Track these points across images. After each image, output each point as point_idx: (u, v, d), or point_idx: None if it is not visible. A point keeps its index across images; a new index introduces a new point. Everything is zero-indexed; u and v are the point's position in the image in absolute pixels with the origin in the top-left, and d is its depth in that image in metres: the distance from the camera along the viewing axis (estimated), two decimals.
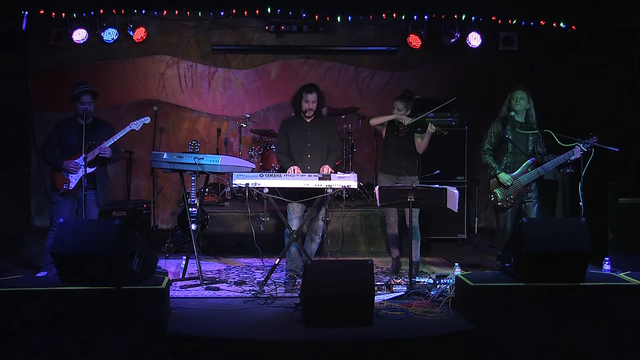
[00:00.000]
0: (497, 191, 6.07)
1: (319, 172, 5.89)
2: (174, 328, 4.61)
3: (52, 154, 6.07)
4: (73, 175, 5.97)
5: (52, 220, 6.03)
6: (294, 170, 5.97)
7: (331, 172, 5.89)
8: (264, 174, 5.81)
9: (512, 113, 6.05)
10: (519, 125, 6.08)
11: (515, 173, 6.02)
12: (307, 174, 5.83)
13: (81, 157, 5.87)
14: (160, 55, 9.05)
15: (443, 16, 8.58)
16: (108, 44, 8.61)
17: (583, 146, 5.76)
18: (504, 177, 6.02)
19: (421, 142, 6.30)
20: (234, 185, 5.93)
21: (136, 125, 6.06)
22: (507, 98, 6.14)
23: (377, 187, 5.85)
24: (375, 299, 4.90)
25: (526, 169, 6.00)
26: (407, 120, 6.24)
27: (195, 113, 9.17)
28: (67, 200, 6.02)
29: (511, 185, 6.00)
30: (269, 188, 5.74)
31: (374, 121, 6.47)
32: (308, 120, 6.16)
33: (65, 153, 6.05)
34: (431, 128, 6.12)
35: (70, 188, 5.96)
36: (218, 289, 5.71)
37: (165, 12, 8.61)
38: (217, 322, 4.81)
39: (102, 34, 8.48)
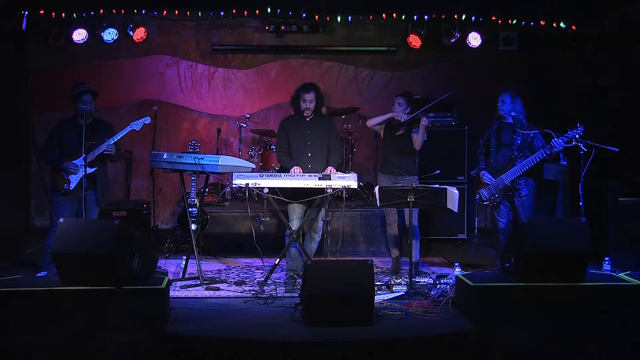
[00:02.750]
0: (483, 190, 6.09)
1: (320, 171, 5.90)
2: (174, 328, 4.61)
3: (52, 154, 6.07)
4: (73, 176, 5.97)
5: (52, 220, 6.03)
6: (295, 170, 5.97)
7: (337, 173, 5.90)
8: (264, 174, 5.81)
9: (513, 113, 6.07)
10: (510, 125, 6.08)
11: (499, 171, 6.04)
12: (307, 174, 5.84)
13: (81, 158, 5.87)
14: (160, 55, 9.05)
15: (443, 16, 8.59)
16: (108, 44, 8.60)
17: (583, 146, 5.72)
18: (481, 174, 6.07)
19: (416, 138, 6.31)
20: (234, 185, 5.93)
21: (136, 125, 6.06)
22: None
23: (377, 187, 5.86)
24: (375, 299, 4.89)
25: (509, 167, 6.00)
26: (403, 117, 6.25)
27: (195, 113, 9.17)
28: (67, 200, 6.02)
29: (492, 183, 6.01)
30: (269, 188, 5.74)
31: (371, 122, 6.47)
32: (307, 119, 6.17)
33: (65, 153, 6.04)
34: (424, 121, 6.15)
35: (71, 188, 5.96)
36: (218, 289, 5.71)
37: (165, 12, 8.61)
38: (217, 322, 4.81)
39: (102, 34, 8.47)
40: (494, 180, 6.02)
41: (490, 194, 6.05)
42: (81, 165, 5.89)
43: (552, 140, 5.71)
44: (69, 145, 6.04)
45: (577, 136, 5.65)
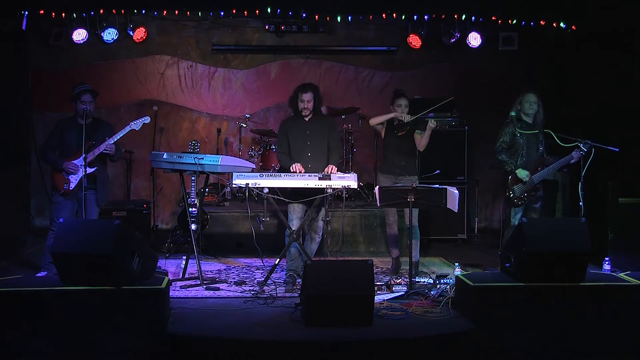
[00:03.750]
0: (516, 187, 6.07)
1: (320, 171, 5.90)
2: (174, 328, 4.61)
3: (52, 155, 6.07)
4: (73, 176, 5.97)
5: (52, 221, 6.03)
6: (296, 167, 5.97)
7: (337, 172, 5.90)
8: (264, 174, 5.81)
9: (513, 113, 6.07)
10: (526, 126, 6.09)
11: (530, 172, 6.05)
12: (307, 174, 5.84)
13: (81, 158, 5.87)
14: (160, 55, 9.05)
15: (443, 16, 8.59)
16: (108, 44, 8.61)
17: (583, 146, 5.78)
18: (521, 173, 6.05)
19: (421, 139, 6.31)
20: (234, 185, 5.93)
21: (136, 125, 6.06)
22: (518, 100, 6.16)
23: (377, 187, 5.85)
24: (375, 299, 4.90)
25: (536, 168, 6.02)
26: (407, 118, 6.24)
27: (195, 113, 9.17)
28: (67, 201, 6.02)
29: (527, 181, 6.03)
30: (269, 188, 5.74)
31: (374, 120, 6.46)
32: (307, 119, 6.17)
33: (65, 153, 6.04)
34: (432, 123, 6.14)
35: (71, 188, 5.96)
36: (218, 289, 5.71)
37: (165, 12, 8.62)
38: (217, 322, 4.81)
39: (102, 34, 8.48)
40: (529, 178, 6.04)
41: (521, 192, 6.06)
42: (81, 165, 5.89)
43: (575, 151, 5.82)
44: (69, 145, 6.04)
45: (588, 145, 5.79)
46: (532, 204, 6.11)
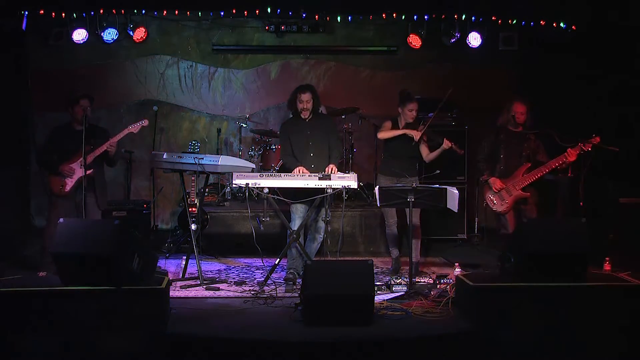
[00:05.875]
0: (491, 197, 6.08)
1: (324, 170, 5.92)
2: (174, 328, 4.61)
3: (50, 160, 6.11)
4: (69, 179, 5.99)
5: (48, 222, 6.06)
6: (299, 170, 5.97)
7: (337, 172, 5.91)
8: (264, 174, 5.82)
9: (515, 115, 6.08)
10: (518, 133, 6.08)
11: (509, 179, 6.02)
12: (307, 174, 5.84)
13: (77, 162, 5.91)
14: (160, 55, 9.04)
15: (443, 16, 8.59)
16: (108, 44, 8.59)
17: (582, 144, 5.72)
18: (491, 181, 6.07)
19: (430, 154, 6.34)
20: (234, 185, 5.93)
21: (134, 128, 6.09)
22: (506, 108, 6.14)
23: (377, 187, 5.86)
24: (375, 299, 4.90)
25: (520, 174, 6.00)
26: (417, 136, 6.22)
27: (195, 113, 9.16)
28: (64, 202, 6.04)
29: (503, 189, 6.01)
30: (269, 188, 5.74)
31: (383, 135, 6.41)
32: (307, 120, 6.18)
33: (62, 159, 6.07)
34: (446, 145, 6.14)
35: (66, 190, 5.98)
36: (218, 289, 5.72)
37: (165, 12, 8.61)
38: (217, 322, 4.81)
39: (102, 34, 8.46)
40: (505, 186, 6.02)
41: (501, 200, 6.04)
42: (76, 169, 5.93)
43: (568, 150, 5.74)
44: (66, 151, 6.07)
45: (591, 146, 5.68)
46: (525, 210, 6.08)
